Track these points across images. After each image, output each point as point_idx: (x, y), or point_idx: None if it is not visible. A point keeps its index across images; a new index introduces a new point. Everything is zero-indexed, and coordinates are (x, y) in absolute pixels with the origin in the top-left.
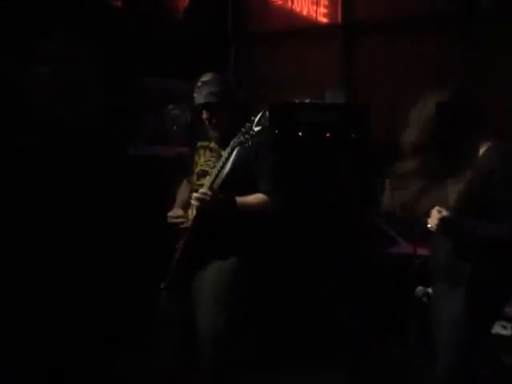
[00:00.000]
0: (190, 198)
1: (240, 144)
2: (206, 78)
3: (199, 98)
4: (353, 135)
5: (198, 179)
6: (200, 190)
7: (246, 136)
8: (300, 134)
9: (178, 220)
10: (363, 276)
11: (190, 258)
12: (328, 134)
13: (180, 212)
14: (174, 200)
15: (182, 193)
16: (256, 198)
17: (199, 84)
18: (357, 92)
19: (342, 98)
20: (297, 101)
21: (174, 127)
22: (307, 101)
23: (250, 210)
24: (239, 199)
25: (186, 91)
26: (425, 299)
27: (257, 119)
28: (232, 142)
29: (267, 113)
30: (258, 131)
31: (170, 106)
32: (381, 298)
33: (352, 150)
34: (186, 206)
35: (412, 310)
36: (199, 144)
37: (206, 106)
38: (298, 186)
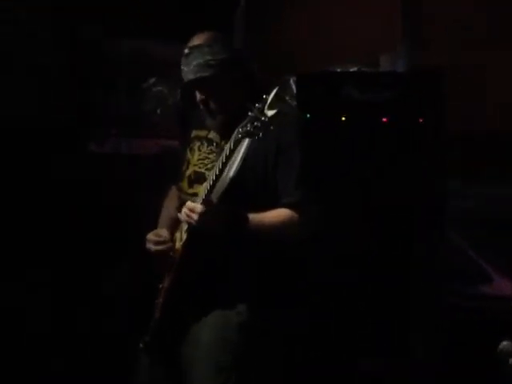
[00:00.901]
0: (179, 213)
1: (246, 135)
2: (197, 40)
3: (188, 72)
4: (421, 119)
5: (190, 186)
6: (188, 203)
7: (255, 124)
8: (343, 118)
9: (162, 247)
10: (435, 326)
11: (178, 306)
12: (384, 119)
13: (164, 234)
14: (156, 217)
15: (168, 206)
16: (278, 214)
17: (187, 51)
18: (427, 56)
19: (404, 64)
20: (338, 69)
21: (158, 110)
22: (353, 69)
23: (268, 234)
24: (252, 217)
25: (175, 59)
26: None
27: (271, 98)
28: (235, 132)
29: (293, 86)
30: (273, 116)
31: (152, 81)
32: (461, 355)
33: (419, 141)
34: (173, 226)
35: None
36: (194, 134)
37: (197, 83)
38: (340, 195)
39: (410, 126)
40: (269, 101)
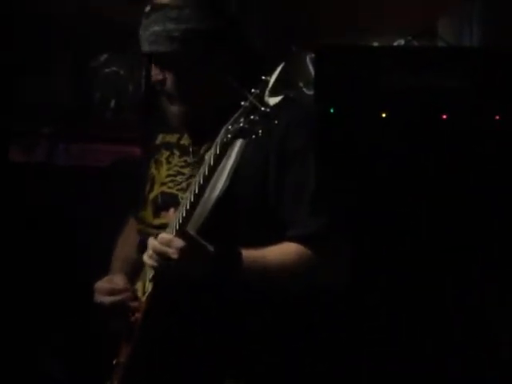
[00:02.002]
0: (141, 253)
1: (239, 135)
2: None
3: (143, 40)
4: (497, 116)
5: (156, 214)
6: (162, 236)
7: (252, 117)
8: (383, 114)
9: (118, 297)
10: None
11: None
12: (444, 116)
13: (120, 282)
14: (106, 260)
15: (124, 245)
16: (284, 251)
17: (148, 9)
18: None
19: (476, 35)
20: (375, 43)
21: (112, 102)
22: (398, 42)
23: (270, 281)
24: (248, 256)
25: (135, 22)
26: None
27: (273, 78)
28: (223, 131)
29: (310, 67)
30: (277, 105)
31: (104, 57)
32: None
33: (494, 145)
34: (132, 273)
35: None
36: (161, 139)
37: (155, 56)
38: (380, 222)
39: (482, 125)
40: (271, 83)
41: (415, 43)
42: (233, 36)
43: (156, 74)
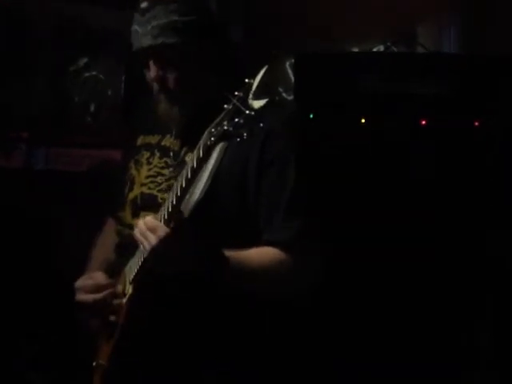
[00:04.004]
0: (117, 256)
1: (224, 137)
2: None
3: (144, 34)
4: (477, 122)
5: (134, 214)
6: (147, 219)
7: (236, 120)
8: (362, 120)
9: (100, 295)
10: None
11: None
12: (423, 121)
13: (101, 279)
14: (84, 261)
15: (102, 245)
16: (262, 254)
17: (145, 5)
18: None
19: (456, 41)
20: (355, 49)
21: (91, 106)
22: (378, 48)
23: (253, 280)
24: (231, 255)
25: (117, 28)
26: None
27: (257, 81)
28: (206, 134)
29: (290, 72)
30: (261, 108)
31: (84, 61)
32: None
33: (473, 150)
34: (108, 272)
35: None
36: (141, 140)
37: (157, 51)
38: (360, 227)
39: (461, 131)
40: (254, 86)
41: (394, 49)
42: (221, 33)
43: (155, 70)
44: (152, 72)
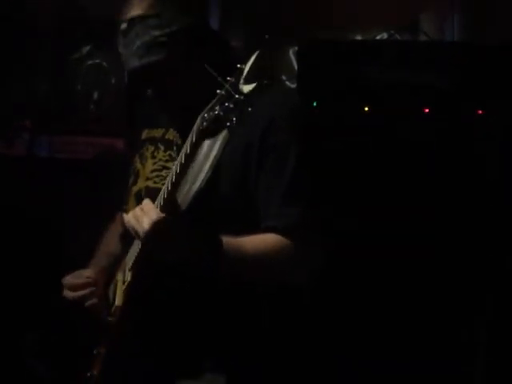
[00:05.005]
0: (122, 247)
1: (214, 122)
2: (137, 8)
3: (129, 56)
4: (480, 111)
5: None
6: (145, 201)
7: (226, 104)
8: (366, 108)
9: (80, 293)
10: None
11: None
12: (426, 109)
13: (87, 274)
14: (91, 251)
15: (109, 239)
16: (262, 241)
17: (124, 26)
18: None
19: (459, 30)
20: (358, 37)
21: (95, 94)
22: (381, 36)
23: (249, 269)
24: (228, 242)
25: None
26: None
27: (248, 66)
28: (199, 119)
29: (294, 60)
30: (251, 92)
31: (87, 49)
32: None
33: (476, 139)
34: (114, 265)
35: None
36: (146, 134)
37: (147, 70)
38: (362, 215)
39: (465, 119)
40: (245, 71)
41: (398, 37)
42: (207, 30)
43: (144, 86)
44: (141, 88)
